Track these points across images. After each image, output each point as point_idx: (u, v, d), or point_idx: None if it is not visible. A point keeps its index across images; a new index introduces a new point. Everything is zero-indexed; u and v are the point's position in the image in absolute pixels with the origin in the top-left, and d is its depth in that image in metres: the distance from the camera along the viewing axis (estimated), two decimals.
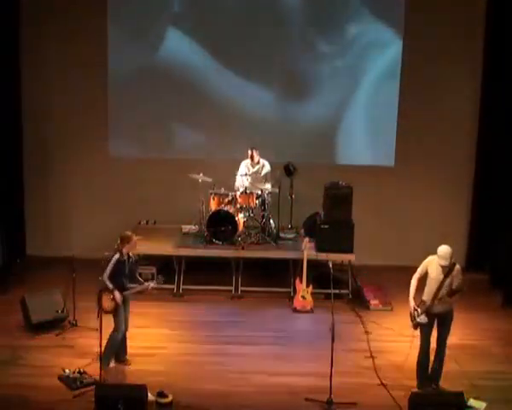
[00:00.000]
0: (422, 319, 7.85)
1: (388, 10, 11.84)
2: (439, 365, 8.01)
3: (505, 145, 11.74)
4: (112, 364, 8.34)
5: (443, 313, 7.85)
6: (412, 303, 7.92)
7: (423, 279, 7.99)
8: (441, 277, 7.76)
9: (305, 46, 11.97)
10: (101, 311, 8.09)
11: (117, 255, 8.21)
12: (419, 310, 7.85)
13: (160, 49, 12.00)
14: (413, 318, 7.92)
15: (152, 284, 8.54)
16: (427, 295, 7.89)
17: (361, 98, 12.10)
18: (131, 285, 8.43)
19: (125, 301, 8.32)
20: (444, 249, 7.73)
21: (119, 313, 8.23)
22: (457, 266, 7.86)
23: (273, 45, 11.94)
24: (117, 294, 8.16)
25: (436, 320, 7.91)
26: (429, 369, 8.03)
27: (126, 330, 8.44)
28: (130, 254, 8.42)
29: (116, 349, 8.36)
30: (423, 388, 7.93)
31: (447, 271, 7.75)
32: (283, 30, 11.92)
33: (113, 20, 11.89)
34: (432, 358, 8.02)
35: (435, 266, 7.83)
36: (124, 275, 8.29)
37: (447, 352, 8.05)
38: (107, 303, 8.18)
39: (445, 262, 7.70)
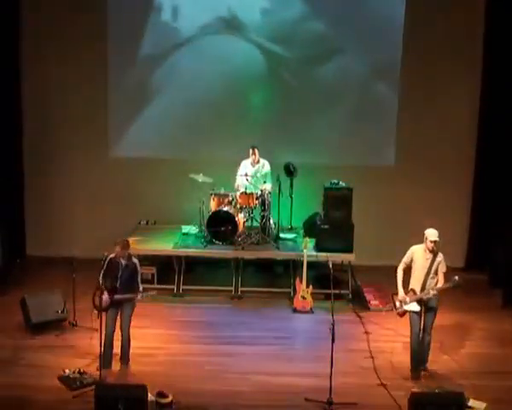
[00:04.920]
0: (414, 307, 8.09)
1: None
2: (427, 347, 8.26)
3: (505, 146, 11.73)
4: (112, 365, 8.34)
5: (430, 300, 8.07)
6: (401, 292, 8.17)
7: (408, 269, 8.26)
8: (427, 264, 8.01)
9: (306, 51, 12.01)
10: (95, 307, 8.13)
11: (111, 255, 8.21)
12: (407, 299, 8.09)
13: (160, 49, 12.00)
14: (398, 306, 8.15)
15: (138, 297, 8.33)
16: (415, 284, 8.13)
17: (361, 98, 12.11)
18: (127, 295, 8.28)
19: (119, 303, 8.25)
20: (431, 229, 8.04)
21: (107, 313, 8.20)
22: (440, 254, 8.07)
23: (274, 49, 11.97)
24: (105, 295, 8.12)
25: (423, 306, 8.12)
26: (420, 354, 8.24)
27: (114, 330, 8.30)
28: (134, 259, 8.34)
29: (108, 349, 8.24)
30: (416, 372, 8.18)
31: (432, 258, 7.96)
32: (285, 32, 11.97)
33: (114, 19, 11.90)
34: None
35: (421, 253, 8.09)
36: (114, 277, 8.19)
37: (447, 351, 8.10)
38: (98, 301, 8.14)
39: (435, 237, 7.96)
